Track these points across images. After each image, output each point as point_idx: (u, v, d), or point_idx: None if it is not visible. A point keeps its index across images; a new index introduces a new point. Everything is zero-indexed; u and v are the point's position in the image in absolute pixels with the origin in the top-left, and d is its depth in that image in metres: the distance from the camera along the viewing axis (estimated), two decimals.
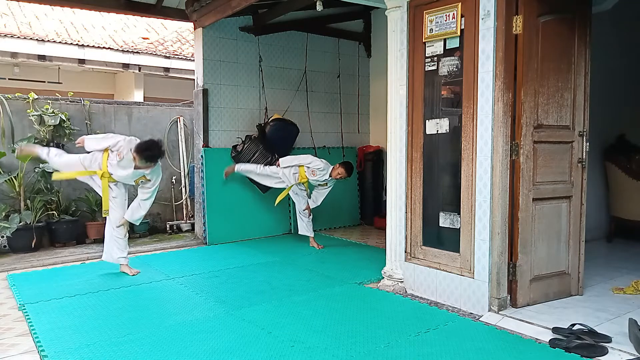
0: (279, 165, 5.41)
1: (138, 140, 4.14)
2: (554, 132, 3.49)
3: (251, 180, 5.86)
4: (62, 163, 4.34)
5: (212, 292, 3.94)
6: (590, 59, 3.68)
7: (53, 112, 5.85)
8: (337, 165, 5.29)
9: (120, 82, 10.95)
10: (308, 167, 5.32)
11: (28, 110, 5.76)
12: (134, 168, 4.12)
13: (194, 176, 6.43)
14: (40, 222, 5.62)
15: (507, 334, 3.02)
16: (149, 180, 4.28)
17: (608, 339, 2.84)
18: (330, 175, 5.30)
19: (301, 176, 5.37)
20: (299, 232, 5.64)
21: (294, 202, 5.67)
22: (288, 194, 5.53)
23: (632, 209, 5.31)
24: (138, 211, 4.37)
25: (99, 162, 4.24)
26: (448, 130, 3.61)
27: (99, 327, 3.18)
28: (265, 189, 5.81)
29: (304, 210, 5.51)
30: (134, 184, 4.30)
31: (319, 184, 5.46)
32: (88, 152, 4.30)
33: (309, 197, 5.57)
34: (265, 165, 5.62)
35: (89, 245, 5.83)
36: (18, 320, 3.39)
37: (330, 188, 5.52)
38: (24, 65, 9.29)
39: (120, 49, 9.18)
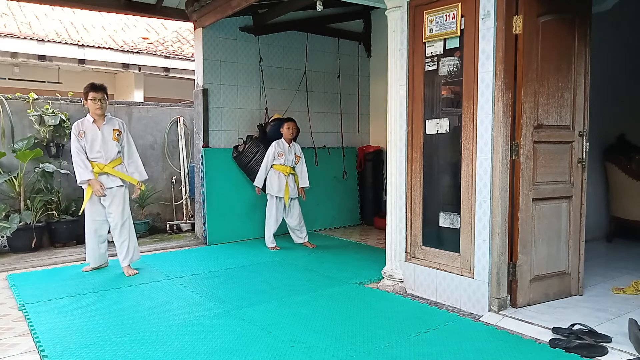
0: (260, 192, 5.52)
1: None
2: (554, 132, 3.49)
3: (252, 180, 5.87)
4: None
5: (212, 292, 3.94)
6: (590, 59, 3.68)
7: (53, 112, 5.85)
8: (281, 128, 5.50)
9: (120, 82, 10.95)
10: (276, 157, 5.43)
11: (28, 110, 5.76)
12: (98, 128, 4.36)
13: (194, 176, 6.42)
14: (40, 222, 5.62)
15: (507, 334, 3.03)
16: (121, 132, 4.48)
17: (608, 339, 2.84)
18: (287, 144, 5.46)
19: (283, 169, 5.42)
20: (295, 242, 5.66)
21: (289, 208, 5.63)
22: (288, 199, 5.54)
23: (632, 209, 5.30)
24: (135, 162, 4.54)
25: (90, 168, 4.35)
26: (448, 130, 3.61)
27: (99, 327, 3.18)
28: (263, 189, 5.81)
29: (296, 199, 5.55)
30: (116, 141, 4.43)
31: (294, 161, 5.53)
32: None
33: (296, 186, 5.57)
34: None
35: None
36: (18, 320, 3.39)
37: (303, 158, 5.65)
38: (24, 65, 9.29)
39: (120, 49, 9.18)
